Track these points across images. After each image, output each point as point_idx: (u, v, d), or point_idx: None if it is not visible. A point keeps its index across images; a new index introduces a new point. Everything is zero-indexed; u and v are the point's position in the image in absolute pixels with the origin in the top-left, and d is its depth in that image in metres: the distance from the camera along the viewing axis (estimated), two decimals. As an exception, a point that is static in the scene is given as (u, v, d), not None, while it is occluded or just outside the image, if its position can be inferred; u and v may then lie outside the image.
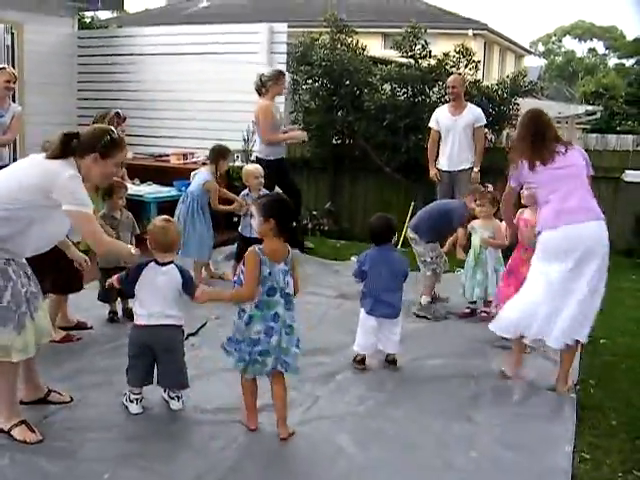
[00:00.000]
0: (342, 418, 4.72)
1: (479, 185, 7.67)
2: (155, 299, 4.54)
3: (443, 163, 9.46)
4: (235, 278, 4.46)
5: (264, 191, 7.51)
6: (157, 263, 4.57)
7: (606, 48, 60.54)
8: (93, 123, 6.27)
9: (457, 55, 10.83)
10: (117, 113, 6.85)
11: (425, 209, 7.53)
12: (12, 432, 4.21)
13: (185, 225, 7.59)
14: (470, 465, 4.17)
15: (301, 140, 8.95)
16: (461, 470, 4.11)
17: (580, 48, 62.38)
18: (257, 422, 4.49)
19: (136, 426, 4.49)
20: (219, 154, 7.82)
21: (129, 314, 6.00)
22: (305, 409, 4.83)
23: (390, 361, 5.69)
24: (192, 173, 8.11)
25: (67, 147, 4.20)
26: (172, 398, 4.71)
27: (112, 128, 4.58)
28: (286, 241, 4.41)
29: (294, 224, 8.90)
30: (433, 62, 10.94)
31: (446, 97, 10.41)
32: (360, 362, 5.64)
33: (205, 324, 6.37)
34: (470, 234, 7.14)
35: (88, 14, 14.69)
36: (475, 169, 9.28)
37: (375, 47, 16.80)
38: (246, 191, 7.81)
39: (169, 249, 4.61)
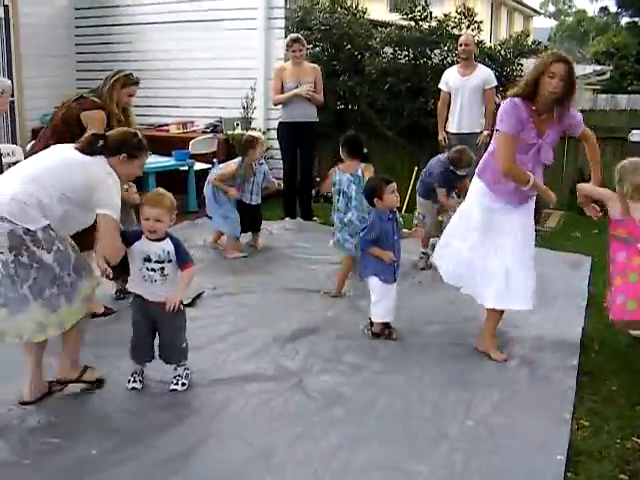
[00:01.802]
0: (336, 388, 4.63)
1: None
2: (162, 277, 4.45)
3: (452, 125, 9.28)
4: None
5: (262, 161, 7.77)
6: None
7: (618, 6, 59.53)
8: (103, 85, 6.05)
9: (458, 16, 10.65)
10: (128, 75, 6.38)
11: None
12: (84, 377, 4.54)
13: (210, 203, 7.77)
14: (465, 434, 4.09)
15: (304, 95, 8.74)
16: (455, 439, 4.03)
17: (591, 7, 61.66)
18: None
19: (130, 399, 4.44)
20: (248, 145, 7.68)
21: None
22: (298, 379, 4.75)
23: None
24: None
25: (94, 147, 4.35)
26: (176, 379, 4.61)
27: (137, 132, 4.64)
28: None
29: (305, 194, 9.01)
30: (434, 24, 10.77)
31: (448, 59, 10.26)
32: (383, 330, 5.52)
33: (201, 294, 6.29)
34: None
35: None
36: (485, 132, 9.08)
37: (380, 10, 16.61)
38: (239, 159, 7.73)
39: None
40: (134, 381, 4.58)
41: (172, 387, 4.55)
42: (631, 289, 4.82)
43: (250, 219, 7.88)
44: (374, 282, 5.44)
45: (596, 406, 4.42)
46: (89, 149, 4.33)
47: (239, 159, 7.66)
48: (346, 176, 6.47)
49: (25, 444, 3.90)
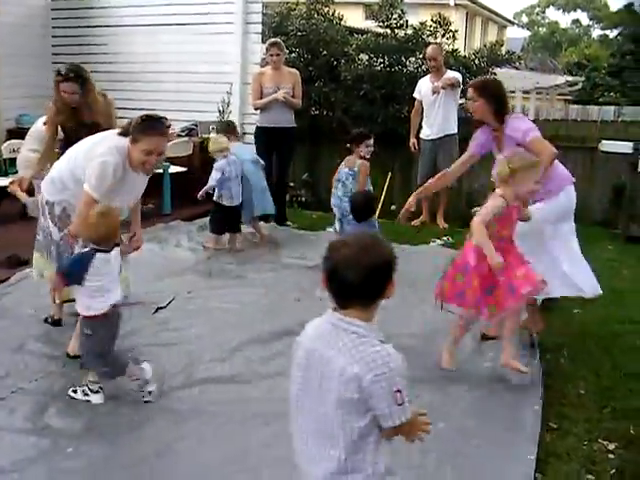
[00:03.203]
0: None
1: None
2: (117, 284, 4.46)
3: (427, 132, 9.42)
4: None
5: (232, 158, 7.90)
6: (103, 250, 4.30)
7: (590, 19, 60.42)
8: None
9: (434, 25, 10.76)
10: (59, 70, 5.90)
11: None
12: None
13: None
14: (436, 436, 4.14)
15: (280, 99, 8.80)
16: (427, 441, 4.07)
17: (564, 19, 62.30)
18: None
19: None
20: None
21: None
22: (272, 381, 4.78)
23: None
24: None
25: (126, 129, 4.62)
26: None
27: (153, 115, 4.68)
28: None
29: (279, 198, 9.11)
30: (410, 32, 10.88)
31: (423, 67, 10.36)
32: None
33: (173, 299, 6.31)
34: None
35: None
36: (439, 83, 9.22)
37: (357, 18, 16.71)
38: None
39: (112, 238, 4.37)
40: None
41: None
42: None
43: (228, 220, 8.01)
44: None
45: (565, 409, 4.51)
46: (124, 131, 4.62)
47: None
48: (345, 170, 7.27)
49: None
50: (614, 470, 3.86)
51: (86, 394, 4.41)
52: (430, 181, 5.97)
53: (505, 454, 3.96)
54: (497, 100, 5.21)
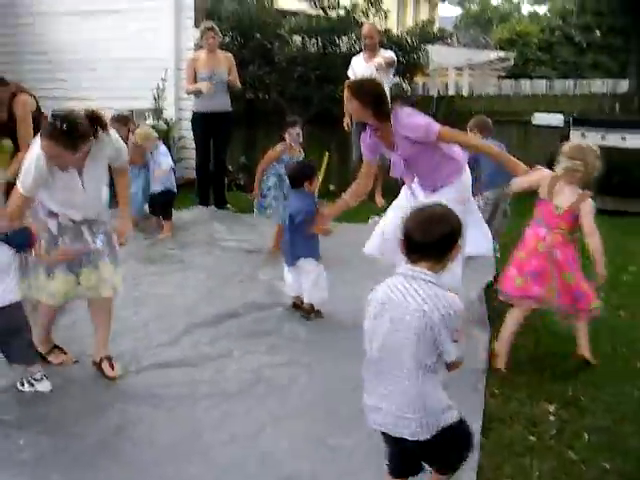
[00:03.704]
0: (258, 370, 4.73)
1: None
2: None
3: (360, 110, 9.46)
4: None
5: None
6: None
7: (518, -5, 61.05)
8: None
9: (365, 5, 10.81)
10: None
11: None
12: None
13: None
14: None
15: (205, 91, 8.78)
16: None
17: (494, -4, 62.77)
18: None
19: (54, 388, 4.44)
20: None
21: None
22: (220, 363, 4.83)
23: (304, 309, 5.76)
24: None
25: None
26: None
27: (50, 113, 4.51)
28: None
29: (218, 182, 9.13)
30: (342, 12, 10.91)
31: (356, 47, 10.41)
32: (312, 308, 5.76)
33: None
34: None
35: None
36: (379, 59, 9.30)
37: (290, 0, 16.61)
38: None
39: None
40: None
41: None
42: (519, 265, 4.86)
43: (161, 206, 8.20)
44: (309, 263, 5.62)
45: (507, 375, 4.64)
46: None
47: None
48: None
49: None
50: (555, 430, 4.00)
51: (31, 384, 4.39)
52: (345, 198, 5.59)
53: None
54: (374, 100, 5.03)
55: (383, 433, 3.03)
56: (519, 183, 5.08)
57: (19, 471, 3.61)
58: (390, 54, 9.39)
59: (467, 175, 5.28)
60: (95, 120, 4.22)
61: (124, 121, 8.12)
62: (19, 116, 5.68)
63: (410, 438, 2.89)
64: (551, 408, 4.24)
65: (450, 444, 2.98)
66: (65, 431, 3.97)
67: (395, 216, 5.26)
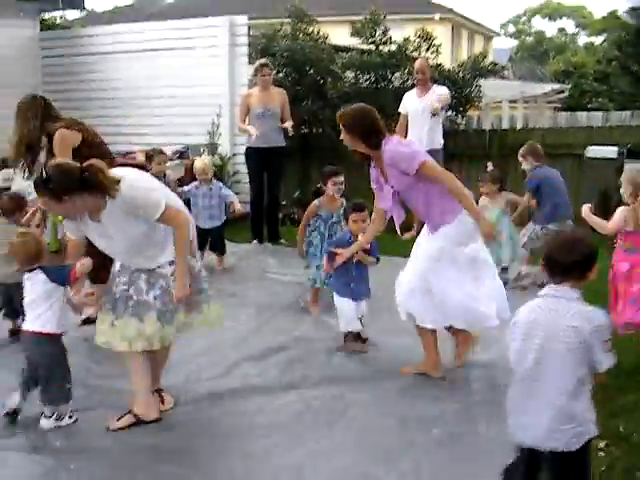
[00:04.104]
0: (306, 402, 4.79)
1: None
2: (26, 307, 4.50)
3: (413, 146, 9.51)
4: None
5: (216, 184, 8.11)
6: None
7: (575, 27, 60.78)
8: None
9: (418, 40, 10.90)
10: None
11: None
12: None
13: None
14: (432, 442, 4.24)
15: (253, 135, 8.99)
16: (422, 446, 4.18)
17: (550, 28, 62.58)
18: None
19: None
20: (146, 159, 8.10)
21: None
22: (269, 396, 4.89)
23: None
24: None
25: None
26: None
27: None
28: None
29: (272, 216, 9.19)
30: (394, 48, 11.02)
31: (408, 82, 10.50)
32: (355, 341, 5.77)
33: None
34: None
35: (56, 14, 14.70)
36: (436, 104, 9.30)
37: (342, 35, 16.81)
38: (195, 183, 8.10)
39: (33, 260, 4.48)
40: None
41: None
42: (632, 295, 5.18)
43: (204, 242, 7.76)
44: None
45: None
46: None
47: None
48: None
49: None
50: (604, 467, 3.94)
51: (58, 419, 4.47)
52: (361, 239, 5.55)
53: (500, 456, 4.03)
54: (363, 130, 4.95)
55: (523, 452, 3.23)
56: (609, 228, 5.33)
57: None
58: (445, 92, 9.40)
59: (467, 218, 4.93)
60: (91, 174, 4.05)
61: (150, 157, 7.94)
62: (56, 152, 5.82)
63: (564, 449, 3.07)
64: (601, 444, 4.16)
65: (585, 461, 3.22)
66: (112, 460, 4.06)
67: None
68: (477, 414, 4.57)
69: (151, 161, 7.72)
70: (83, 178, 4.01)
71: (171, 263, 4.32)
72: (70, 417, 4.48)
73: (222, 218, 8.17)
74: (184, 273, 4.30)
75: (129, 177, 4.17)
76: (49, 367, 4.39)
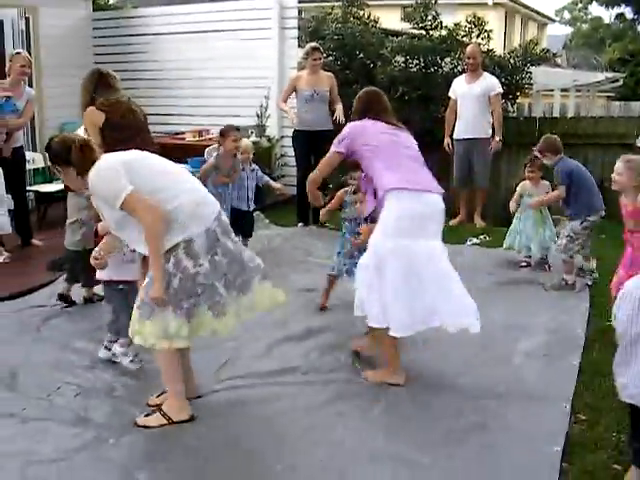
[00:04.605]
0: (343, 385, 4.84)
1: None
2: None
3: (459, 131, 9.51)
4: None
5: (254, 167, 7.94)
6: None
7: (635, 13, 59.52)
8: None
9: (468, 25, 10.82)
10: None
11: None
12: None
13: None
14: (467, 428, 4.25)
15: (290, 120, 9.07)
16: (457, 432, 4.20)
17: (607, 14, 61.47)
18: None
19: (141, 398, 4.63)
20: (220, 134, 7.82)
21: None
22: (308, 377, 4.96)
23: None
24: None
25: None
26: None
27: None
28: None
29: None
30: (444, 33, 10.95)
31: (459, 68, 10.44)
32: None
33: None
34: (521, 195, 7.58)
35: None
36: (496, 138, 9.32)
37: (394, 19, 16.70)
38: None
39: None
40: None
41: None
42: None
43: (243, 225, 7.61)
44: None
45: (594, 401, 4.58)
46: None
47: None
48: None
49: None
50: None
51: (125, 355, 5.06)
52: None
53: (534, 445, 4.04)
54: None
55: (633, 409, 3.46)
56: None
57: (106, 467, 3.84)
58: (492, 86, 9.41)
59: (401, 206, 4.73)
60: (73, 152, 4.17)
61: (224, 134, 7.70)
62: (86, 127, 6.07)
63: None
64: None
65: None
66: (154, 438, 4.15)
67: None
68: (516, 402, 4.58)
69: (226, 138, 7.62)
70: (68, 154, 4.18)
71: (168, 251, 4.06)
72: (132, 362, 5.01)
73: (252, 202, 7.96)
74: (158, 274, 3.99)
75: (100, 164, 4.12)
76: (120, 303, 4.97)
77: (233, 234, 4.37)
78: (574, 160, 7.05)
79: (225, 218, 4.32)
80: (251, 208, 7.95)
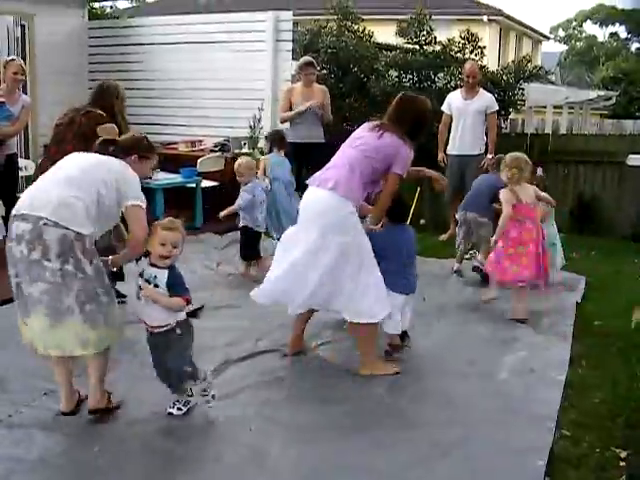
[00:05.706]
0: (342, 392, 4.84)
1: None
2: None
3: (453, 147, 9.53)
4: None
5: (258, 183, 7.66)
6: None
7: (628, 32, 59.86)
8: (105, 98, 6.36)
9: (462, 41, 10.89)
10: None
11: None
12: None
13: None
14: (452, 440, 4.26)
15: (307, 109, 9.05)
16: (441, 445, 4.20)
17: (601, 33, 61.72)
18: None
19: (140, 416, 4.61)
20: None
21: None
22: (294, 387, 4.96)
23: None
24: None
25: (107, 151, 4.51)
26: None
27: (146, 135, 4.85)
28: None
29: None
30: (438, 48, 11.02)
31: (452, 83, 10.48)
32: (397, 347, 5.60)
33: (202, 307, 6.44)
34: None
35: (107, 4, 14.96)
36: (489, 156, 9.30)
37: (388, 34, 16.76)
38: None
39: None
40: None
41: (168, 410, 4.43)
42: (517, 257, 6.25)
43: (254, 246, 7.60)
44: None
45: (579, 417, 4.59)
46: (102, 153, 4.48)
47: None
48: None
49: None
50: (624, 477, 3.92)
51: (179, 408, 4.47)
52: None
53: (517, 459, 4.05)
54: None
55: None
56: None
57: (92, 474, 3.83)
58: (491, 104, 9.44)
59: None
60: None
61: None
62: None
63: None
64: (623, 454, 4.15)
65: None
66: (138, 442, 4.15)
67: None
68: (500, 416, 4.60)
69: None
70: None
71: None
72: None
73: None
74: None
75: None
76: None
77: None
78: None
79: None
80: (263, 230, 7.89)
